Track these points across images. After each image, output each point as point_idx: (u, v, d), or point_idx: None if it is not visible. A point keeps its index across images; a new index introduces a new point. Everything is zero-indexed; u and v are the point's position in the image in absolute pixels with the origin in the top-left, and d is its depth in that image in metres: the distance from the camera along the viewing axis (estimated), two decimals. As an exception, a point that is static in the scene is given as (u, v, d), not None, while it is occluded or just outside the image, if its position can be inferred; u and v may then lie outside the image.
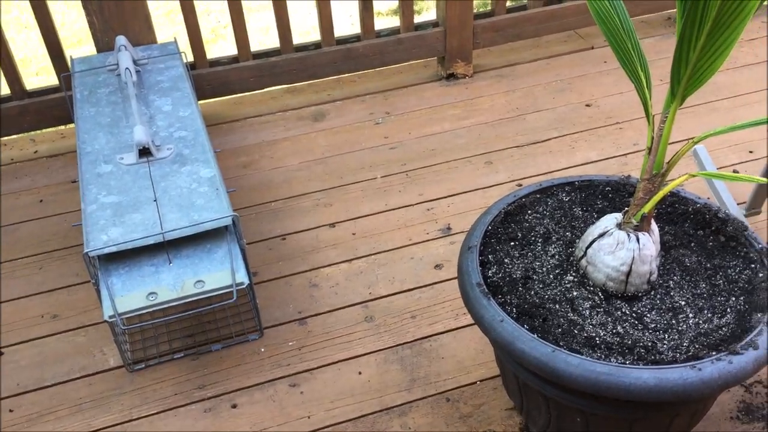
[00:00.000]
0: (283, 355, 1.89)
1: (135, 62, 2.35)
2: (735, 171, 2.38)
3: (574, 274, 1.46)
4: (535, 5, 2.94)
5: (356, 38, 2.82)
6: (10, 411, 1.80)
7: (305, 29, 4.19)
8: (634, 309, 1.39)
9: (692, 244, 1.51)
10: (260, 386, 1.82)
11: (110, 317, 1.62)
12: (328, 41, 2.77)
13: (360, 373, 1.84)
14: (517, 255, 1.52)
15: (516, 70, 3.00)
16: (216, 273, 1.70)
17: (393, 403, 1.76)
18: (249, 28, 2.73)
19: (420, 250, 2.18)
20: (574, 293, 1.42)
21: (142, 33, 2.51)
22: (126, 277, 1.69)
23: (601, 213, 1.59)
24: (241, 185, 2.48)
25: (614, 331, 1.35)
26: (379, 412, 1.74)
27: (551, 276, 1.47)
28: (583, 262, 1.45)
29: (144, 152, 1.94)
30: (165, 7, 4.49)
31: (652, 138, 1.35)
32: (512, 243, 1.54)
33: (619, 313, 1.38)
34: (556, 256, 1.51)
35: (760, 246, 1.46)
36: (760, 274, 1.40)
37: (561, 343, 1.31)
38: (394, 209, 2.33)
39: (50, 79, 3.15)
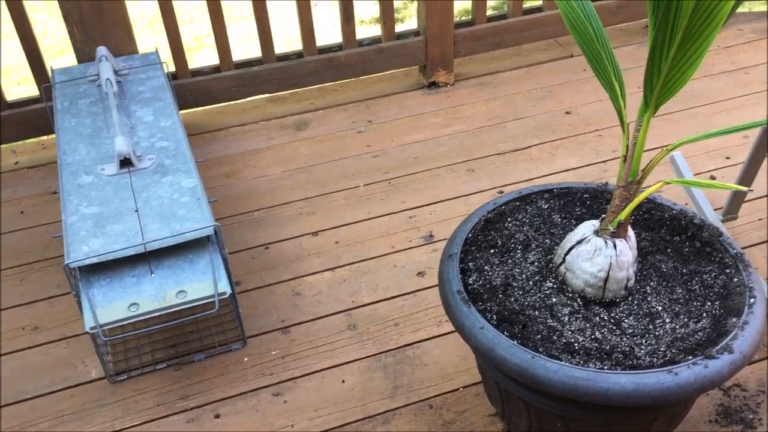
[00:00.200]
0: (267, 364, 1.90)
1: (116, 72, 2.35)
2: (712, 177, 2.42)
3: (553, 280, 1.48)
4: (514, 14, 2.97)
5: (338, 47, 2.84)
6: (-9, 424, 1.79)
7: (289, 37, 4.20)
8: (612, 315, 1.41)
9: (669, 250, 1.54)
10: (243, 396, 1.82)
11: (91, 329, 1.62)
12: (310, 50, 2.78)
13: (343, 381, 1.84)
14: (497, 262, 1.53)
15: (497, 79, 3.02)
16: (198, 283, 1.70)
17: (376, 411, 1.77)
18: (233, 37, 2.74)
19: (403, 258, 2.19)
20: (554, 300, 1.44)
21: (123, 43, 2.51)
22: (107, 288, 1.69)
23: (580, 220, 1.61)
24: (224, 194, 2.48)
25: (593, 336, 1.36)
26: (362, 420, 1.75)
27: (531, 283, 1.48)
28: (562, 268, 1.46)
29: (125, 163, 1.94)
30: (147, 17, 4.48)
31: (627, 146, 1.37)
32: (492, 250, 1.56)
33: (597, 318, 1.40)
34: (536, 263, 1.52)
35: (734, 251, 1.48)
36: (735, 279, 1.43)
37: (541, 350, 1.33)
38: (376, 217, 2.35)
39: (32, 89, 3.14)
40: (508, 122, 2.76)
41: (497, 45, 2.99)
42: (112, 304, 1.66)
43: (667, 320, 1.39)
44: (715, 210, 2.18)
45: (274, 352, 1.92)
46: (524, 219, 1.63)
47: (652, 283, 1.47)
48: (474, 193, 2.42)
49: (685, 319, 1.39)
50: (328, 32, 4.17)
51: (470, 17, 2.96)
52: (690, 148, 2.53)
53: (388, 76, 3.06)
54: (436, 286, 2.08)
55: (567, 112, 2.79)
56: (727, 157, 2.50)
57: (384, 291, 2.08)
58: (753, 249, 2.12)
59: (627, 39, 3.23)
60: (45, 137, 2.75)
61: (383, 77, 3.05)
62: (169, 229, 1.75)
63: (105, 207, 1.82)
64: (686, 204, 2.26)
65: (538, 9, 3.01)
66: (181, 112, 2.66)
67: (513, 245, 1.57)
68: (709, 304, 1.41)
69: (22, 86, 3.91)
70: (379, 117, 2.83)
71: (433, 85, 2.97)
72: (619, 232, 1.41)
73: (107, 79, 2.21)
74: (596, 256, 1.40)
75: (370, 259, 2.19)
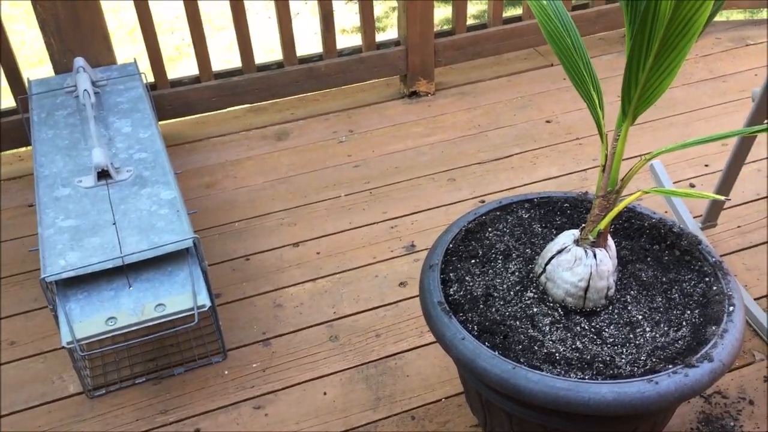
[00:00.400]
0: (247, 377, 1.88)
1: (94, 84, 2.33)
2: (692, 185, 2.43)
3: (534, 290, 1.48)
4: (495, 24, 2.98)
5: (319, 57, 2.83)
6: (-34, 442, 1.76)
7: (270, 46, 4.19)
8: (592, 324, 1.41)
9: (648, 259, 1.54)
10: (224, 409, 1.80)
11: (68, 343, 1.59)
12: (291, 60, 2.78)
13: (325, 393, 1.83)
14: (478, 272, 1.53)
15: (478, 88, 3.03)
16: (177, 296, 1.68)
17: (359, 422, 1.75)
18: (214, 46, 2.73)
19: (384, 268, 2.18)
20: (535, 310, 1.44)
21: (101, 54, 2.49)
22: (85, 302, 1.67)
23: (560, 229, 1.61)
24: (204, 205, 2.46)
25: (574, 346, 1.36)
26: (344, 433, 1.73)
27: (512, 293, 1.48)
28: (543, 278, 1.46)
29: (103, 175, 1.92)
30: (127, 27, 4.45)
31: (606, 155, 1.37)
32: (473, 260, 1.56)
33: (578, 328, 1.40)
34: (516, 273, 1.52)
35: (713, 260, 1.49)
36: (714, 288, 1.43)
37: (522, 360, 1.32)
38: (358, 227, 2.34)
39: (8, 100, 3.10)
40: (489, 131, 2.76)
41: (478, 54, 3.01)
42: (89, 318, 1.63)
43: (648, 329, 1.39)
44: (694, 218, 2.19)
45: (255, 365, 1.91)
46: (505, 229, 1.63)
47: (632, 292, 1.47)
48: (455, 203, 2.42)
49: (665, 328, 1.39)
50: (309, 42, 4.16)
51: (450, 27, 2.97)
52: (669, 156, 2.55)
53: (369, 86, 3.05)
54: (417, 296, 2.07)
55: (547, 121, 2.80)
56: (706, 165, 2.52)
57: (366, 302, 2.07)
58: (732, 257, 2.14)
59: (606, 48, 3.26)
60: (22, 149, 2.72)
61: (364, 87, 3.05)
62: (148, 242, 1.73)
63: (82, 220, 1.80)
64: (666, 212, 2.28)
65: (518, 18, 3.03)
66: (161, 122, 2.65)
67: (494, 255, 1.57)
68: (689, 312, 1.42)
69: (-2, 97, 3.86)
70: (360, 127, 2.82)
71: (414, 94, 2.98)
72: (599, 242, 1.41)
73: (85, 90, 2.19)
74: (576, 265, 1.40)
75: (352, 269, 2.18)
